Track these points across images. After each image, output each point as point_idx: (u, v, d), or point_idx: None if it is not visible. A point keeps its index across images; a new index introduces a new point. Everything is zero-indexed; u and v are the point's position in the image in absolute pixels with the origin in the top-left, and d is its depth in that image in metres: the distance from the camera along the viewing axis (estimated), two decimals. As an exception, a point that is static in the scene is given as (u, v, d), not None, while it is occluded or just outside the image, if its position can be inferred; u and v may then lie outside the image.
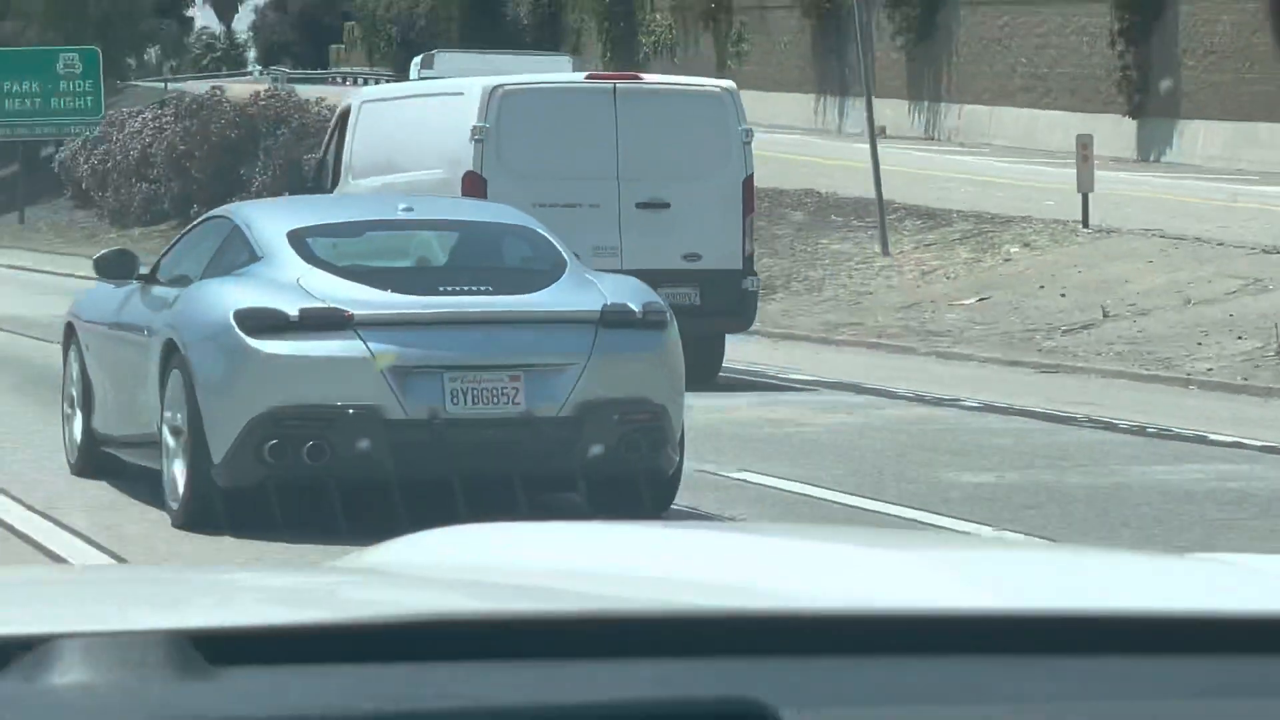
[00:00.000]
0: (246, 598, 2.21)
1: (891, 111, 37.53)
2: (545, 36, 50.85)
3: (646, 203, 16.98)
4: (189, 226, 12.14)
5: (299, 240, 10.24)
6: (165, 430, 10.13)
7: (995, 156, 34.74)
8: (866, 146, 25.31)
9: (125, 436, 10.94)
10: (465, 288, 10.13)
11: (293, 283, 9.93)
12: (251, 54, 77.41)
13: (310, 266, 10.07)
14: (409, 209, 10.89)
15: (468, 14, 53.48)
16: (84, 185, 48.26)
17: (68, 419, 11.74)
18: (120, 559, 9.67)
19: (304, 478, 9.84)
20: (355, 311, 9.74)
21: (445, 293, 10.02)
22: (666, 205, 17.00)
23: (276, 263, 10.12)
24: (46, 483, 11.40)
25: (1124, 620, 1.89)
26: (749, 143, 17.42)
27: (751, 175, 17.48)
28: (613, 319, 9.95)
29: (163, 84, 56.86)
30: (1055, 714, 1.68)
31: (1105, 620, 1.89)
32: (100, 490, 11.32)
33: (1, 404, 15.26)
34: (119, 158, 46.17)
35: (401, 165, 17.41)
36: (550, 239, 10.65)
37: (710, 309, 16.90)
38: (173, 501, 10.02)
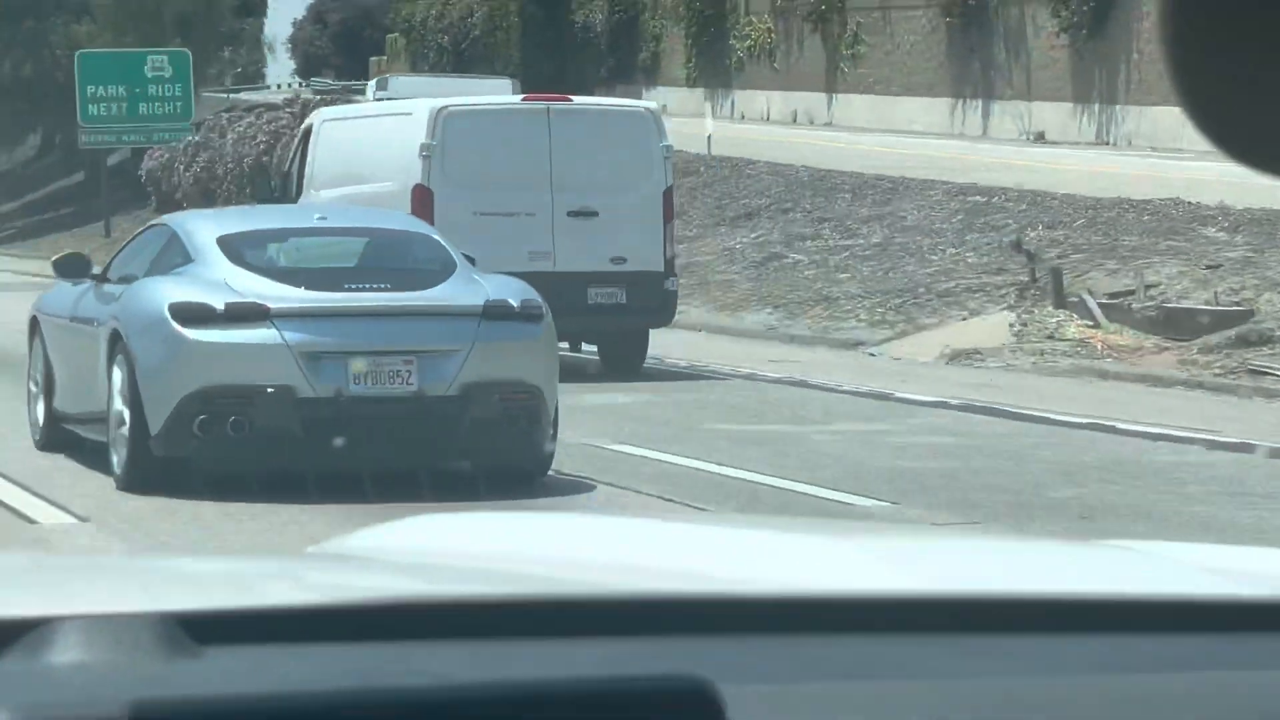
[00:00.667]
0: (230, 583, 2.30)
1: (1052, 114, 34.97)
2: (620, 43, 47.69)
3: (577, 211, 18.42)
4: (135, 233, 13.72)
5: (227, 244, 11.64)
6: (111, 408, 11.47)
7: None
8: (1043, 150, 25.60)
9: (79, 414, 12.30)
10: (368, 285, 11.53)
11: (220, 281, 11.31)
12: (290, 65, 75.68)
13: (236, 267, 11.44)
14: (323, 218, 12.44)
15: (530, 23, 49.18)
16: (179, 195, 42.40)
17: (33, 399, 13.10)
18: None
19: (228, 448, 11.14)
20: (272, 305, 11.13)
21: (350, 289, 11.43)
22: (595, 214, 18.43)
23: (207, 264, 11.51)
24: (16, 456, 12.69)
25: (1028, 602, 1.98)
26: (669, 158, 19.01)
27: (671, 187, 19.13)
28: (494, 312, 11.38)
29: (225, 94, 53.15)
30: (972, 689, 1.75)
31: (1012, 601, 1.98)
32: (59, 460, 12.66)
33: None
34: (230, 165, 41.58)
35: (358, 178, 18.79)
36: (444, 244, 12.10)
37: (635, 307, 18.49)
38: (118, 468, 11.40)
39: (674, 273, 19.24)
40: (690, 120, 34.26)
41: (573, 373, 16.72)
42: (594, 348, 19.34)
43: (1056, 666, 1.82)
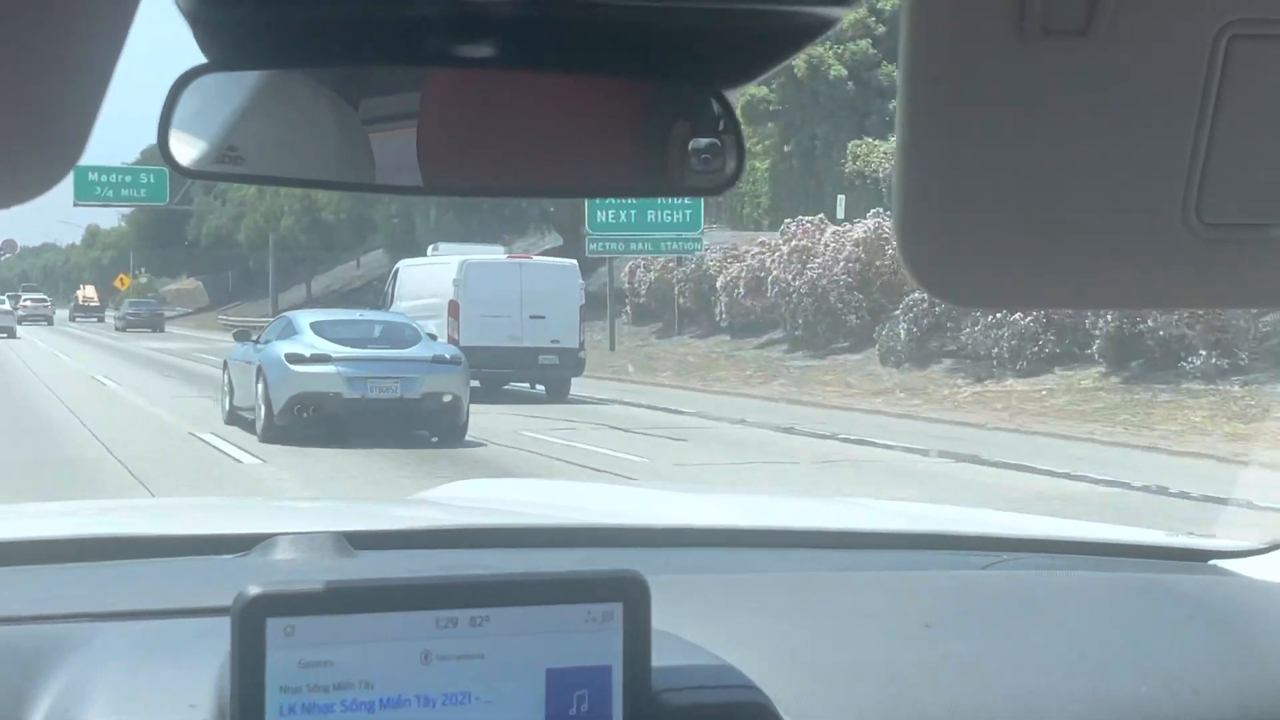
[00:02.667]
0: (371, 514, 3.29)
1: None
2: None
3: (534, 315, 31.40)
4: (271, 321, 26.08)
5: (315, 325, 23.15)
6: (258, 403, 22.38)
7: None
8: None
9: (243, 407, 23.07)
10: (378, 345, 22.66)
11: (310, 343, 22.53)
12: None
13: (316, 335, 22.57)
14: (363, 314, 24.77)
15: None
16: (721, 310, 41.10)
17: (223, 399, 24.56)
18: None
19: (309, 423, 21.36)
20: (333, 354, 22.19)
21: (370, 347, 22.54)
22: (543, 317, 31.43)
23: (303, 335, 22.86)
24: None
25: (795, 531, 3.03)
26: (583, 288, 32.10)
27: (583, 306, 32.09)
28: (437, 360, 22.62)
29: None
30: (768, 579, 2.54)
31: (785, 530, 3.02)
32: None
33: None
34: (822, 282, 37.49)
35: (419, 296, 31.74)
36: (417, 327, 23.62)
37: (563, 366, 31.53)
38: (259, 432, 21.65)
39: (583, 348, 32.18)
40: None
41: (529, 399, 29.77)
42: (542, 387, 32.31)
43: (810, 566, 2.70)
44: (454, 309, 31.02)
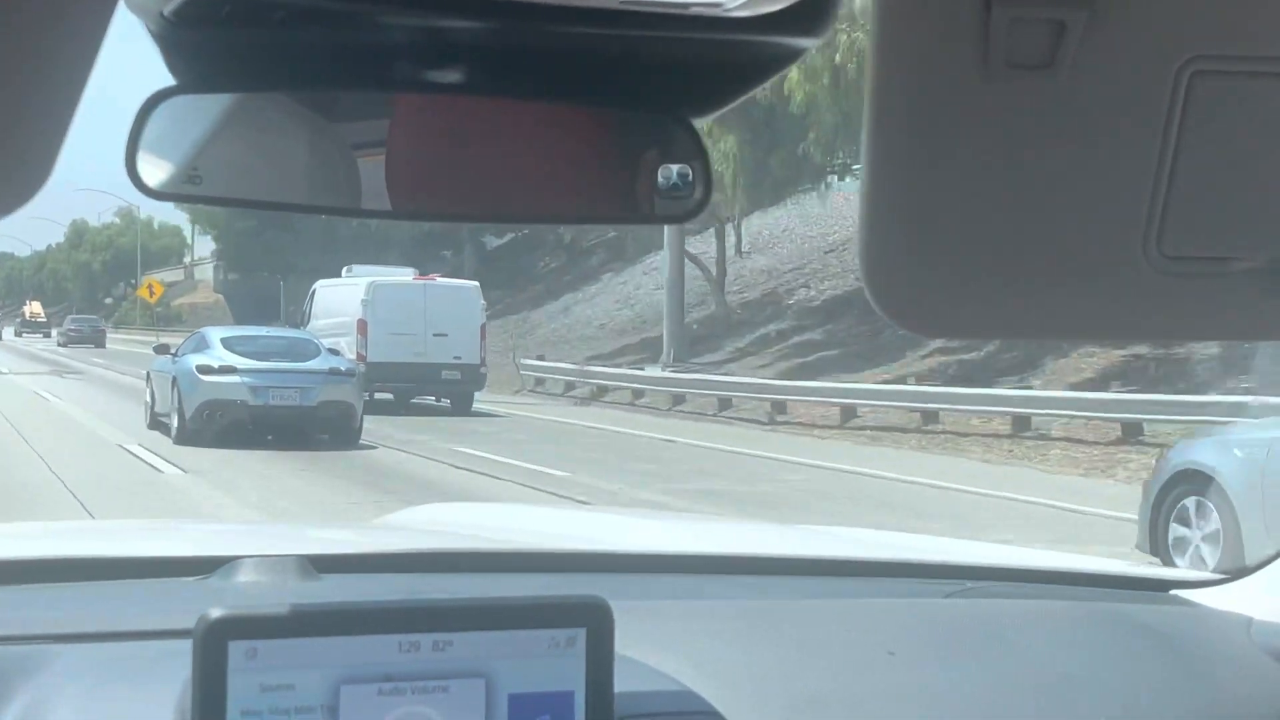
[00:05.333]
0: (334, 539, 3.20)
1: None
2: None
3: (438, 333, 33.91)
4: (186, 337, 28.50)
5: (225, 341, 25.61)
6: (171, 411, 24.77)
7: None
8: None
9: (162, 414, 25.48)
10: (281, 359, 25.08)
11: (219, 356, 24.95)
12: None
13: (226, 349, 25.01)
14: (269, 330, 27.47)
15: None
16: None
17: (147, 408, 26.89)
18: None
19: (217, 428, 23.68)
20: (239, 366, 24.67)
21: (273, 361, 25.00)
22: (446, 335, 33.88)
23: (214, 349, 25.26)
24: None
25: (755, 558, 2.96)
26: (484, 308, 34.51)
27: (484, 324, 34.55)
28: (333, 371, 25.20)
29: None
30: (729, 605, 2.52)
31: (746, 557, 2.98)
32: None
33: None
34: None
35: (332, 315, 34.24)
36: (317, 342, 26.26)
37: (464, 380, 33.97)
38: (174, 436, 24.02)
39: (485, 364, 34.57)
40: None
41: (435, 411, 33.07)
42: (447, 400, 34.85)
43: (773, 593, 2.64)
44: (362, 327, 33.65)
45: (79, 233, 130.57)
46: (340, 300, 34.94)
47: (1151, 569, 3.12)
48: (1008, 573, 2.93)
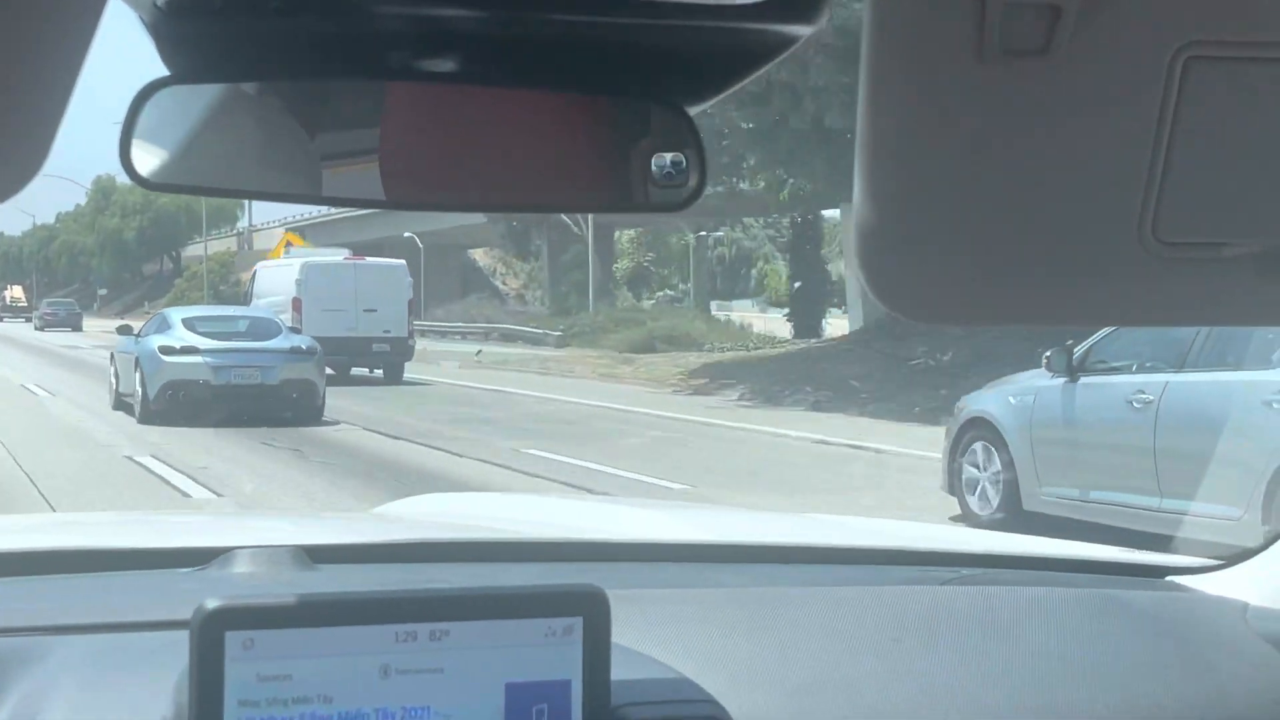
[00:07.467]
0: (329, 528, 3.25)
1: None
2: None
3: (368, 309, 35.37)
4: (150, 318, 28.76)
5: (186, 321, 25.78)
6: (135, 390, 24.88)
7: None
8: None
9: (126, 394, 25.55)
10: (242, 338, 25.27)
11: (181, 337, 25.12)
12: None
13: (187, 330, 25.19)
14: (231, 310, 27.70)
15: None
16: None
17: (111, 388, 26.94)
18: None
19: (180, 407, 23.86)
20: (201, 346, 24.84)
21: (235, 340, 25.19)
22: (376, 310, 35.41)
23: (175, 329, 25.45)
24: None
25: (760, 546, 2.98)
26: (410, 284, 35.86)
27: (411, 299, 35.95)
28: (295, 350, 25.29)
29: None
30: (727, 595, 2.50)
31: (748, 546, 2.99)
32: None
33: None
34: None
35: (272, 294, 35.49)
36: (277, 321, 26.46)
37: (394, 353, 35.51)
38: (137, 416, 24.17)
39: (413, 338, 36.37)
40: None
41: (367, 380, 34.44)
42: (380, 371, 36.24)
43: (770, 581, 2.61)
44: (296, 304, 35.24)
45: (104, 192, 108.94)
46: (278, 280, 36.74)
47: (1148, 555, 3.09)
48: (1005, 560, 2.94)
